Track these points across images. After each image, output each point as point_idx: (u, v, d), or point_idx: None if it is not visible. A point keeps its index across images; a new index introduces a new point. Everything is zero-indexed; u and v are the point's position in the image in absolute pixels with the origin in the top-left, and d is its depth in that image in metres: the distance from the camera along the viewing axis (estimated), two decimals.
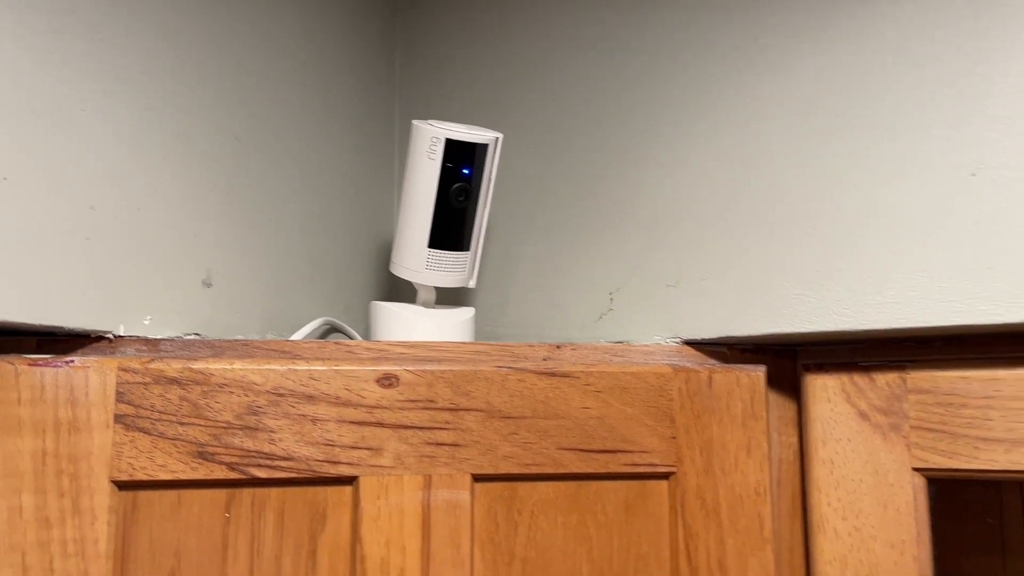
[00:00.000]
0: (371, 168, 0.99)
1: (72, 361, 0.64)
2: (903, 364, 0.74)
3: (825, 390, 0.77)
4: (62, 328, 0.66)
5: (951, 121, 0.68)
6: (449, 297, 0.93)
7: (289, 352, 0.73)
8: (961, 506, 0.91)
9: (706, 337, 0.79)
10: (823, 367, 0.77)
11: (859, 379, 0.75)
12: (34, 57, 0.62)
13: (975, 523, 0.93)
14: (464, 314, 0.85)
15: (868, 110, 0.72)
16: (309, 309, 0.88)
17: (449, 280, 0.81)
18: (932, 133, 0.69)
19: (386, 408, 0.70)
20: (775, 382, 0.81)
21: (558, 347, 0.78)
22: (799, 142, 0.75)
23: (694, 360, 0.80)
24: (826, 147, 0.74)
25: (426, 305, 0.84)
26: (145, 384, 0.65)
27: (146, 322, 0.72)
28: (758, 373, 0.78)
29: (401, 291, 0.96)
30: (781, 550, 0.79)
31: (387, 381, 0.70)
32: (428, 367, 0.71)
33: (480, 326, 0.93)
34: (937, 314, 0.68)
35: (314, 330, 0.86)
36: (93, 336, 0.69)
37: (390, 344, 0.74)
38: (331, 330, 0.91)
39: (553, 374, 0.74)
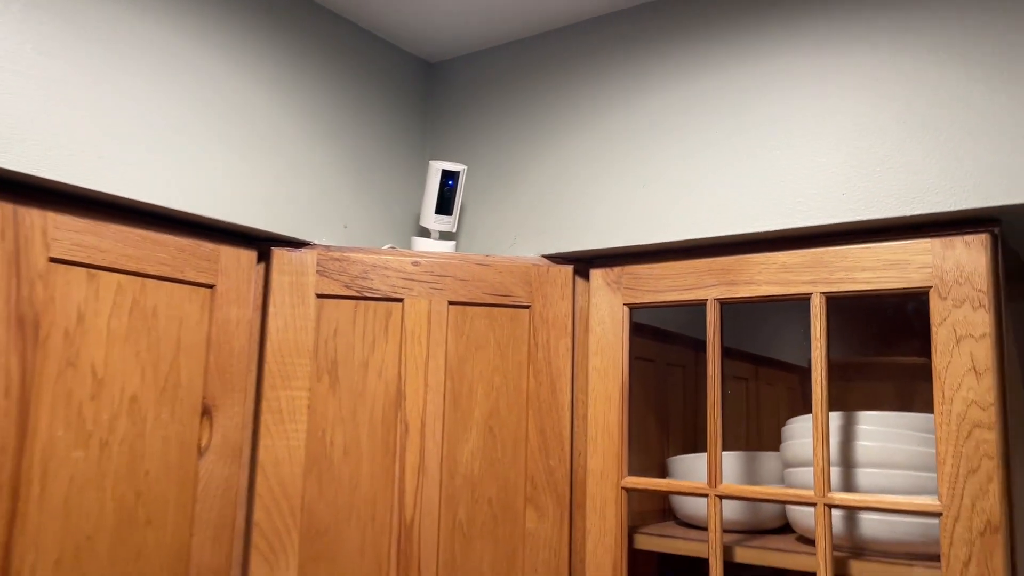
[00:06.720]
0: (415, 179, 2.10)
1: (300, 250, 1.76)
2: (624, 264, 1.82)
3: (597, 276, 1.85)
4: (293, 237, 1.77)
5: (632, 153, 1.76)
6: (447, 238, 2.03)
7: (380, 252, 1.83)
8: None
9: (550, 253, 1.88)
10: (598, 267, 1.86)
11: (609, 271, 1.83)
12: (265, 95, 1.75)
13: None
14: (450, 244, 1.95)
15: (600, 148, 1.80)
16: (388, 239, 2.00)
17: (443, 225, 1.92)
18: (621, 161, 1.77)
19: (414, 273, 1.80)
20: (584, 275, 1.89)
21: (488, 256, 1.87)
22: (576, 170, 1.84)
23: (544, 262, 1.89)
24: (588, 171, 1.83)
25: (434, 239, 1.95)
26: (327, 260, 1.77)
27: (323, 240, 1.84)
28: (568, 268, 1.86)
29: (427, 235, 2.07)
30: (577, 345, 1.87)
31: (415, 263, 1.80)
32: (432, 260, 1.82)
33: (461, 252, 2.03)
34: (569, 243, 1.76)
35: (388, 247, 1.97)
36: (304, 242, 1.80)
37: (417, 251, 1.85)
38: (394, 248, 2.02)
39: (482, 264, 1.83)
